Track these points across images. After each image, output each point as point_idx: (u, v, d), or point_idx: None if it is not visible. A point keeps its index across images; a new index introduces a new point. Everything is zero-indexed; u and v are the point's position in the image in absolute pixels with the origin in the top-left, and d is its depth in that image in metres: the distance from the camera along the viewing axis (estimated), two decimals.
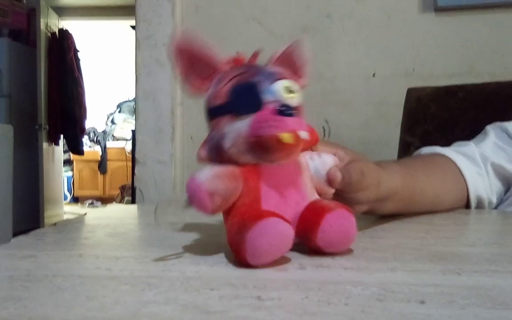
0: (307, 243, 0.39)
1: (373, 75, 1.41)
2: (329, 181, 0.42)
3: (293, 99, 0.38)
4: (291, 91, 0.38)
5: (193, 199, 0.36)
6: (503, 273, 0.35)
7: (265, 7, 1.45)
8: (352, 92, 1.40)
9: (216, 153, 0.39)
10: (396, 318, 0.26)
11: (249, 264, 0.35)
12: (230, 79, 0.39)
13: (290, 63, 0.42)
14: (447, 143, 0.79)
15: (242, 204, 0.38)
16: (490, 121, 0.83)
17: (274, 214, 0.35)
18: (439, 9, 1.37)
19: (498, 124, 0.79)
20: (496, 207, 0.74)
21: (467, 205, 0.71)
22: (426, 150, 0.76)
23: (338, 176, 0.42)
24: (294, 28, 1.43)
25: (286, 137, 0.36)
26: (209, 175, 0.37)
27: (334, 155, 0.46)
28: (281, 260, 0.37)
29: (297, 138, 0.36)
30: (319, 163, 0.43)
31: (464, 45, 1.36)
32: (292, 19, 1.44)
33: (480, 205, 0.71)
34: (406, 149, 1.08)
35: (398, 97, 1.19)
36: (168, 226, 0.56)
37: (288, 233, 0.36)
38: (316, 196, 0.41)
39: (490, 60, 1.35)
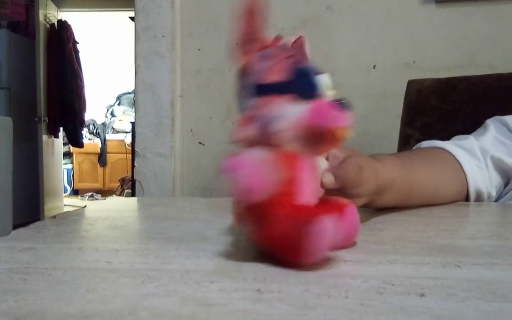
0: None
1: (374, 67, 1.41)
2: (322, 185, 0.42)
3: (333, 95, 0.37)
4: (331, 87, 0.38)
5: (247, 183, 0.33)
6: (503, 265, 0.35)
7: None
8: (352, 84, 1.39)
9: (263, 134, 0.36)
10: (395, 311, 0.26)
11: (299, 260, 0.33)
12: (286, 57, 0.37)
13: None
14: (447, 135, 0.78)
15: (285, 194, 0.35)
16: (490, 113, 0.82)
17: (328, 213, 0.34)
18: (439, 1, 1.36)
19: (498, 118, 0.79)
20: (495, 201, 0.74)
21: (467, 199, 0.71)
22: (425, 143, 0.76)
23: (328, 179, 0.41)
24: (294, 20, 1.43)
25: (344, 132, 0.35)
26: (258, 159, 0.35)
27: (329, 153, 0.46)
28: None
29: (348, 134, 0.36)
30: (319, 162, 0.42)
31: (464, 37, 1.36)
32: (292, 11, 1.43)
33: (479, 198, 0.71)
34: (406, 141, 1.07)
35: (399, 89, 1.18)
36: (171, 220, 0.56)
37: (335, 233, 0.34)
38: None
39: (490, 52, 1.34)
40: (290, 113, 0.36)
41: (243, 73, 0.38)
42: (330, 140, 0.35)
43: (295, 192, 0.36)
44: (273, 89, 0.36)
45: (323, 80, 0.37)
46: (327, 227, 0.33)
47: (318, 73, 0.37)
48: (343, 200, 0.39)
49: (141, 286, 0.30)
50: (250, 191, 0.34)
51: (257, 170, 0.34)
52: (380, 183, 0.51)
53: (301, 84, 0.36)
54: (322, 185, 0.41)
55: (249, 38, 0.37)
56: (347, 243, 0.39)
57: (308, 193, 0.36)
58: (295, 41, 0.43)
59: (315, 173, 0.39)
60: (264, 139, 0.36)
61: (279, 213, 0.34)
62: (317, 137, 0.35)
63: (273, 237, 0.34)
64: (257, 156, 0.35)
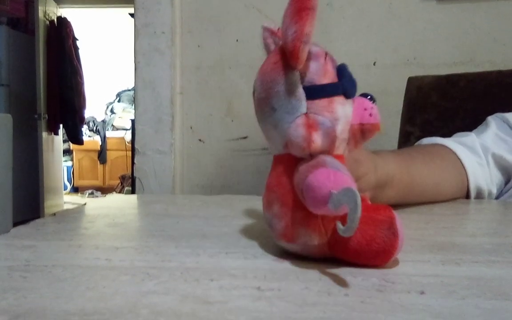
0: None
1: (374, 64, 1.40)
2: None
3: None
4: None
5: (356, 200, 0.29)
6: (503, 263, 0.35)
7: None
8: None
9: (329, 139, 0.34)
10: (396, 308, 0.26)
11: (390, 258, 0.33)
12: (326, 55, 0.36)
13: None
14: (448, 132, 0.78)
15: None
16: (491, 110, 0.82)
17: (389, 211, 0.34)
18: None
19: (499, 115, 0.79)
20: (496, 199, 0.74)
21: (467, 196, 0.71)
22: (426, 140, 0.76)
23: None
24: None
25: (382, 126, 0.36)
26: (343, 167, 0.33)
27: None
28: (281, 251, 0.37)
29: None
30: None
31: (465, 33, 1.35)
32: None
33: (479, 195, 0.71)
34: (407, 138, 1.07)
35: (399, 86, 1.18)
36: (171, 217, 0.56)
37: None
38: None
39: (491, 49, 1.34)
40: (344, 115, 0.35)
41: (289, 73, 0.35)
42: (371, 136, 0.36)
43: None
44: (327, 92, 0.35)
45: None
46: (401, 224, 0.33)
47: None
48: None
49: (141, 283, 0.30)
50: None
51: (351, 182, 0.32)
52: (380, 177, 0.52)
53: (347, 83, 0.35)
54: None
55: (309, 38, 0.33)
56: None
57: None
58: None
59: None
60: (330, 144, 0.35)
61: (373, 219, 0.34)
62: (365, 134, 0.36)
63: (355, 244, 0.33)
64: (340, 166, 0.33)
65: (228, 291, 0.29)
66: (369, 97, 0.36)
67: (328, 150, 0.34)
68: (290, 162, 0.35)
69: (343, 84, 0.35)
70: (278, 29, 0.38)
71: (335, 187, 0.30)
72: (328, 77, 0.35)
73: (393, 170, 0.56)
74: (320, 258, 0.35)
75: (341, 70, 0.35)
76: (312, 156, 0.34)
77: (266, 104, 0.36)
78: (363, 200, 0.35)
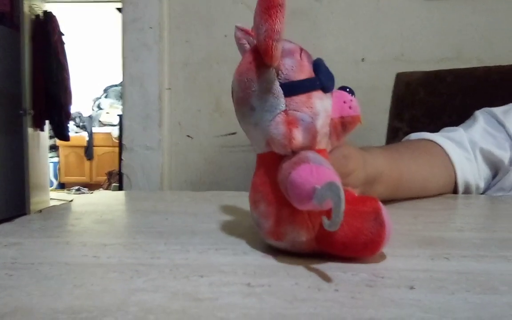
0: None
1: (362, 60, 1.41)
2: None
3: None
4: None
5: (339, 194, 0.29)
6: (492, 258, 0.36)
7: None
8: (340, 77, 1.37)
9: (310, 135, 0.34)
10: (386, 303, 0.26)
11: (378, 249, 0.33)
12: (300, 50, 0.35)
13: None
14: (435, 128, 0.79)
15: None
16: (478, 106, 0.83)
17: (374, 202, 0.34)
18: None
19: (487, 109, 0.80)
20: (483, 193, 0.75)
21: (455, 190, 0.71)
22: (414, 135, 0.76)
23: None
24: None
25: (362, 118, 0.36)
26: (326, 162, 0.33)
27: None
28: (271, 247, 0.37)
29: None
30: None
31: (453, 30, 1.37)
32: None
33: (467, 190, 0.72)
34: (395, 134, 1.08)
35: (387, 82, 1.19)
36: (159, 214, 0.55)
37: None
38: None
39: (478, 45, 1.35)
40: (323, 109, 0.35)
41: (263, 71, 0.34)
42: (352, 128, 0.36)
43: None
44: (305, 87, 0.34)
45: None
46: (387, 214, 0.34)
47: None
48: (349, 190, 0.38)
49: (130, 281, 0.30)
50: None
51: (335, 177, 0.31)
52: (369, 173, 0.52)
53: (324, 78, 0.35)
54: None
55: (281, 35, 0.33)
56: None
57: None
58: None
59: None
60: (311, 140, 0.34)
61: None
62: (346, 127, 0.36)
63: (342, 237, 0.33)
64: (323, 160, 0.33)
65: (218, 288, 0.29)
66: (347, 89, 0.37)
67: (310, 145, 0.34)
68: (273, 160, 0.35)
69: (320, 79, 0.35)
70: (252, 28, 0.38)
71: (319, 182, 0.30)
72: (305, 72, 0.35)
73: (382, 166, 0.56)
74: (309, 253, 0.35)
75: (317, 65, 0.35)
76: (294, 153, 0.34)
77: (245, 104, 0.36)
78: (348, 193, 0.35)
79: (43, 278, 0.31)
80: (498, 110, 0.78)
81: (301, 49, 0.36)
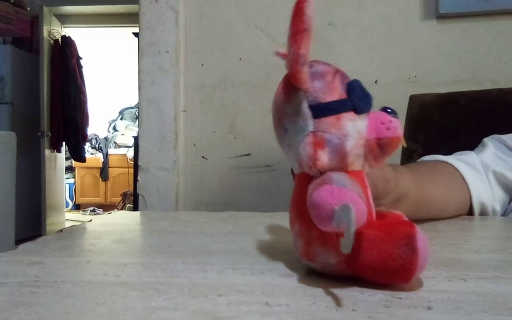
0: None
1: (376, 82, 1.41)
2: None
3: None
4: None
5: (350, 215, 0.30)
6: (509, 279, 0.36)
7: (268, 15, 1.45)
8: None
9: (337, 156, 0.34)
10: None
11: (411, 278, 0.32)
12: (334, 73, 0.36)
13: None
14: (450, 150, 0.79)
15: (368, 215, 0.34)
16: (492, 128, 0.83)
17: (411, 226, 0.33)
18: (440, 17, 1.37)
19: (495, 136, 0.80)
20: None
21: (470, 212, 0.71)
22: (427, 158, 0.76)
23: None
24: None
25: (402, 139, 0.35)
26: (351, 182, 0.33)
27: None
28: (288, 267, 0.37)
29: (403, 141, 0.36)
30: None
31: (466, 52, 1.37)
32: None
33: (483, 212, 0.71)
34: (409, 156, 1.08)
35: (401, 104, 1.19)
36: (177, 234, 0.56)
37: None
38: None
39: (492, 67, 1.35)
40: (355, 130, 0.35)
41: (293, 94, 0.36)
42: (391, 150, 0.35)
43: (372, 210, 0.35)
44: (334, 109, 0.35)
45: None
46: (425, 239, 0.32)
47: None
48: (395, 212, 0.38)
49: (150, 299, 0.31)
50: (360, 219, 0.31)
51: (357, 197, 0.31)
52: (399, 193, 0.52)
53: (358, 99, 0.35)
54: None
55: (306, 58, 0.34)
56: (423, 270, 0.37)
57: (373, 209, 0.36)
58: None
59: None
60: (340, 161, 0.35)
61: (371, 237, 0.33)
62: (384, 148, 0.35)
63: (376, 262, 0.32)
64: (347, 181, 0.33)
65: (236, 307, 0.29)
66: (389, 110, 0.36)
67: (339, 166, 0.34)
68: (306, 180, 0.35)
69: (352, 100, 0.35)
70: None
71: (339, 204, 0.30)
72: (335, 94, 0.35)
73: (408, 186, 0.56)
74: (341, 276, 0.34)
75: (351, 86, 0.35)
76: (322, 174, 0.34)
77: (279, 126, 0.37)
78: (382, 214, 0.35)
79: (66, 296, 0.31)
80: (507, 137, 0.78)
81: (336, 71, 0.36)
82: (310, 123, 0.35)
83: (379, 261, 0.32)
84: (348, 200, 0.30)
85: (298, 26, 0.33)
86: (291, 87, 0.36)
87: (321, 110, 0.35)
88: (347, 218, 0.29)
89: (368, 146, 0.35)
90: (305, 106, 0.35)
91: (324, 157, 0.34)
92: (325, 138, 0.34)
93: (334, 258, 0.34)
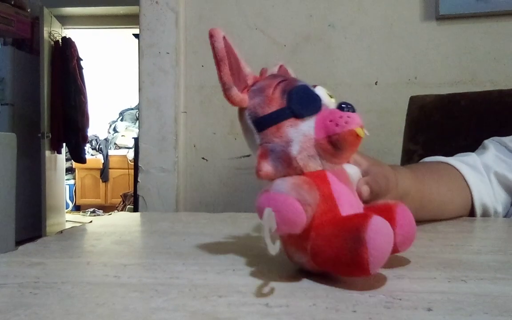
0: None
1: (376, 83, 1.42)
2: (358, 195, 0.41)
3: (334, 103, 0.37)
4: (330, 96, 0.38)
5: (285, 213, 0.32)
6: (509, 280, 0.36)
7: (268, 16, 1.46)
8: (354, 100, 1.39)
9: (283, 163, 0.36)
10: None
11: (367, 271, 0.31)
12: (276, 85, 0.37)
13: None
14: (450, 151, 0.79)
15: (324, 213, 0.34)
16: (492, 129, 0.83)
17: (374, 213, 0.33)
18: (441, 18, 1.37)
19: (496, 138, 0.80)
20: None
21: (472, 214, 0.71)
22: (428, 159, 0.76)
23: (366, 190, 0.43)
24: (296, 37, 1.44)
25: (360, 131, 0.35)
26: (291, 185, 0.33)
27: (350, 161, 0.47)
28: (288, 268, 0.37)
29: (362, 133, 0.35)
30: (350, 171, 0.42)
31: (466, 53, 1.37)
32: (294, 28, 1.45)
33: (485, 213, 0.71)
34: (409, 157, 1.08)
35: (401, 105, 1.19)
36: (177, 235, 0.56)
37: (392, 230, 0.33)
38: None
39: (492, 68, 1.35)
40: (299, 134, 0.35)
41: (241, 113, 0.39)
42: (353, 142, 0.35)
43: (336, 207, 0.35)
44: (274, 118, 0.36)
45: (323, 91, 0.38)
46: (382, 229, 0.31)
47: (314, 86, 0.38)
48: (391, 202, 0.39)
49: (150, 300, 0.31)
50: (291, 224, 0.32)
51: (291, 200, 0.32)
52: (400, 193, 0.53)
53: (302, 104, 0.36)
54: (359, 195, 0.41)
55: (233, 80, 0.37)
56: (406, 245, 0.38)
57: (349, 204, 0.36)
58: (278, 69, 0.44)
59: (349, 183, 0.38)
60: (286, 167, 0.36)
61: (328, 233, 0.33)
62: (338, 145, 0.35)
63: (330, 259, 0.33)
64: (286, 185, 0.33)
65: (236, 308, 0.29)
66: (343, 105, 0.36)
67: (289, 171, 0.36)
68: None
69: (290, 107, 0.36)
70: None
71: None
72: (274, 105, 0.37)
73: (409, 186, 0.57)
74: (316, 273, 0.35)
75: (289, 94, 0.36)
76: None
77: (248, 143, 0.40)
78: (333, 209, 0.35)
79: (66, 297, 0.31)
80: (507, 139, 0.78)
81: (279, 83, 0.37)
82: (257, 137, 0.37)
83: (334, 256, 0.33)
84: (279, 204, 0.32)
85: (215, 59, 0.37)
86: (240, 108, 0.39)
87: (261, 123, 0.37)
88: (264, 221, 0.31)
89: (320, 145, 0.36)
90: (249, 123, 0.38)
91: (266, 167, 0.36)
92: (269, 148, 0.36)
93: (304, 257, 0.35)
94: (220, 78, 0.37)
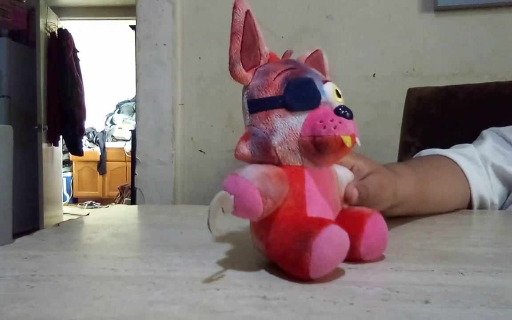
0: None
1: (373, 75, 1.41)
2: (345, 198, 0.42)
3: (341, 103, 0.36)
4: (339, 95, 0.37)
5: (243, 200, 0.32)
6: (506, 272, 0.36)
7: (266, 8, 1.45)
8: (352, 92, 1.40)
9: (261, 150, 0.36)
10: (401, 317, 0.27)
11: (307, 276, 0.32)
12: (282, 72, 0.36)
13: (316, 68, 0.40)
14: (448, 143, 0.79)
15: (288, 208, 0.35)
16: (490, 121, 0.83)
17: (335, 222, 0.33)
18: (439, 9, 1.37)
19: (494, 129, 0.80)
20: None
21: (469, 205, 0.71)
22: (426, 152, 0.76)
23: (355, 193, 0.42)
24: (294, 29, 1.44)
25: (347, 140, 0.33)
26: (259, 174, 0.33)
27: (353, 166, 0.46)
28: None
29: (354, 142, 0.34)
30: (341, 174, 0.42)
31: (464, 45, 1.37)
32: (292, 20, 1.44)
33: (482, 205, 0.71)
34: (407, 149, 1.08)
35: (399, 97, 1.19)
36: (174, 228, 0.56)
37: (347, 242, 0.33)
38: (344, 205, 0.41)
39: (490, 60, 1.35)
40: (285, 126, 0.35)
41: (243, 91, 0.38)
42: (337, 149, 0.34)
43: (304, 206, 0.35)
44: (267, 104, 0.36)
45: (331, 89, 0.36)
46: (334, 240, 0.32)
47: (325, 81, 0.37)
48: (366, 210, 0.38)
49: (148, 293, 0.31)
50: (247, 211, 0.33)
51: (253, 188, 0.32)
52: (397, 200, 0.52)
53: (296, 96, 0.35)
54: (346, 198, 0.41)
55: (242, 57, 0.37)
56: (372, 256, 0.37)
57: (320, 206, 0.36)
58: (311, 54, 0.43)
59: (331, 185, 0.38)
60: (263, 154, 0.36)
61: (282, 229, 0.34)
62: (321, 147, 0.34)
63: (278, 253, 0.34)
64: (253, 173, 0.33)
65: (234, 301, 0.29)
66: (340, 109, 0.34)
67: (266, 159, 0.36)
68: None
69: (284, 97, 0.35)
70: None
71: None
72: (271, 91, 0.36)
73: (409, 193, 0.56)
74: (272, 263, 0.36)
75: (288, 85, 0.35)
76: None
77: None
78: (300, 207, 0.35)
79: (63, 290, 0.31)
80: (505, 129, 0.78)
81: (286, 70, 0.36)
82: (248, 117, 0.37)
83: (282, 252, 0.33)
84: (240, 190, 0.32)
85: (231, 30, 0.37)
86: (244, 86, 0.39)
87: (253, 105, 0.37)
88: (212, 204, 0.32)
89: (303, 143, 0.35)
90: (245, 102, 0.38)
91: (244, 148, 0.36)
92: (252, 131, 0.36)
93: (261, 245, 0.36)
94: (229, 51, 0.37)
